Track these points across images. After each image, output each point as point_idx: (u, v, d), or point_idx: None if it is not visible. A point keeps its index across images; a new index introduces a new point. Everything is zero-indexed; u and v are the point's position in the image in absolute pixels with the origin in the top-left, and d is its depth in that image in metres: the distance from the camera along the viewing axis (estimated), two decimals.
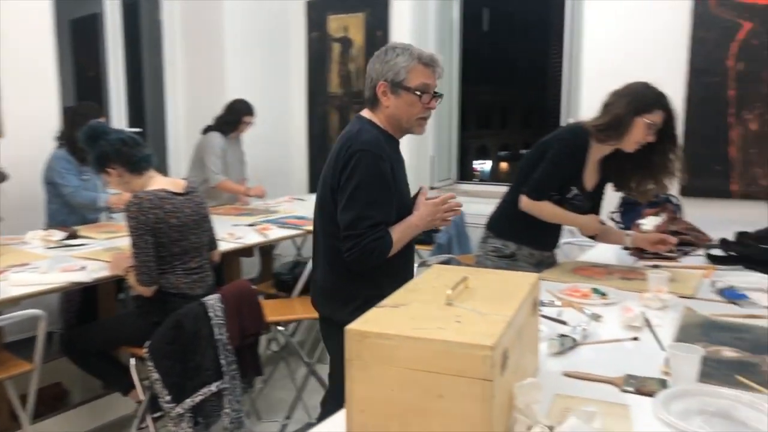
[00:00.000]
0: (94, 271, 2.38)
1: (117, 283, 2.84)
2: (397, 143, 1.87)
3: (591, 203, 2.29)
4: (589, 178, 2.24)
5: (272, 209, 3.95)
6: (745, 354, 1.41)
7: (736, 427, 1.06)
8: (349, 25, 4.93)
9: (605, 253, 2.51)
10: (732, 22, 3.48)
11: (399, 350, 0.97)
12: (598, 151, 2.19)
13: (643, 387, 1.22)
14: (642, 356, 1.42)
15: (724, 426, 1.07)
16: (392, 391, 0.98)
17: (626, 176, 2.22)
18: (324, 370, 3.18)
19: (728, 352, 1.41)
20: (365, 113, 1.84)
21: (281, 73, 5.15)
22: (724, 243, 2.39)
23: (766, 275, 2.11)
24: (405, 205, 1.81)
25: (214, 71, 4.67)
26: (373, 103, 1.81)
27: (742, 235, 2.43)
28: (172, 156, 4.80)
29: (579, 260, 2.45)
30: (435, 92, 1.79)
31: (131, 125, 4.43)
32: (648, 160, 2.14)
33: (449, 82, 4.92)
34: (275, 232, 3.23)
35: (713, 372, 1.30)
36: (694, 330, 1.59)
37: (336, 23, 4.99)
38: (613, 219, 2.92)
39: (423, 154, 4.92)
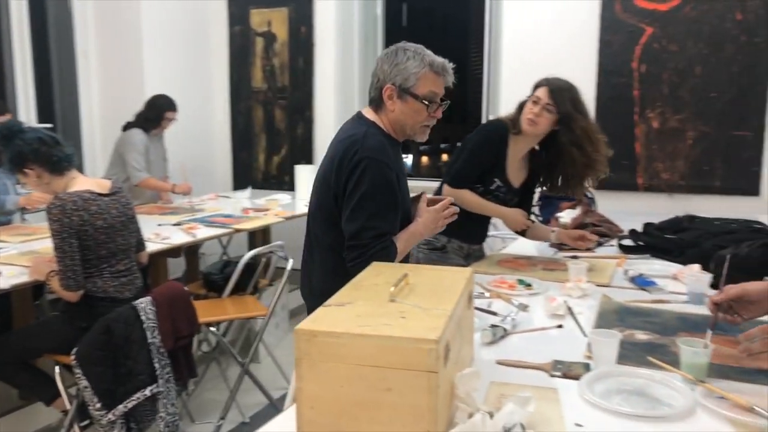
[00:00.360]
0: (11, 277, 2.27)
1: (34, 288, 2.71)
2: (400, 147, 1.83)
3: (519, 199, 2.41)
4: (515, 175, 2.36)
5: (197, 207, 3.88)
6: (655, 336, 1.56)
7: (650, 404, 1.18)
8: (272, 20, 4.89)
9: (527, 245, 2.66)
10: (636, 26, 3.74)
11: (347, 347, 1.01)
12: (518, 145, 2.31)
13: (569, 371, 1.32)
14: (566, 342, 1.53)
15: (640, 402, 1.18)
16: (341, 387, 1.02)
17: (553, 175, 2.34)
18: (257, 369, 3.18)
19: (641, 335, 1.55)
20: (368, 113, 1.77)
21: (203, 67, 5.03)
22: (633, 233, 2.59)
23: (669, 262, 2.30)
24: (407, 212, 1.79)
25: (131, 65, 4.50)
26: (378, 104, 1.74)
27: (648, 226, 2.64)
28: (87, 153, 4.59)
29: (504, 253, 2.58)
30: (441, 99, 1.74)
31: (40, 121, 4.20)
32: (572, 159, 2.26)
33: None
34: (203, 232, 3.18)
35: (629, 354, 1.42)
36: (611, 316, 1.73)
37: (259, 17, 4.93)
38: (533, 213, 3.08)
39: None
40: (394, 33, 4.92)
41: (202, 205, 4.00)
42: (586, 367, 1.34)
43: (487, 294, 1.93)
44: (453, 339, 1.10)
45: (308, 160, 4.88)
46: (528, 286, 2.04)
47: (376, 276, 1.33)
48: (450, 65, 1.75)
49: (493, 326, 1.56)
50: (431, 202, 1.81)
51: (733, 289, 1.39)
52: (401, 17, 4.95)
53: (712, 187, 3.70)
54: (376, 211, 1.63)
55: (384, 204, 1.65)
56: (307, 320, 1.07)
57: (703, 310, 1.78)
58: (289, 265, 2.96)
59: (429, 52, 1.71)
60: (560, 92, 2.20)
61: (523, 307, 1.78)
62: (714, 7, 3.56)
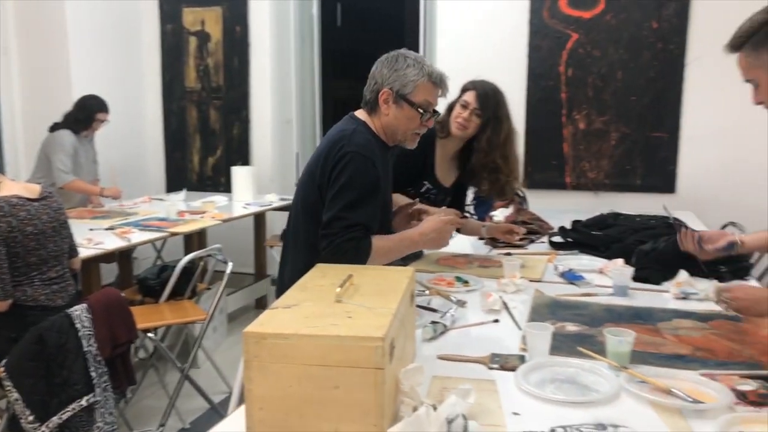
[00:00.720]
0: None
1: None
2: (387, 152, 1.84)
3: (452, 198, 2.49)
4: (445, 176, 2.43)
5: (129, 211, 3.78)
6: (584, 327, 1.66)
7: (580, 390, 1.26)
8: (205, 19, 4.81)
9: (463, 243, 2.75)
10: (562, 32, 3.91)
11: (296, 348, 1.04)
12: (446, 147, 2.38)
13: (506, 363, 1.40)
14: (503, 336, 1.61)
15: (572, 390, 1.27)
16: (290, 387, 1.05)
17: (478, 178, 2.42)
18: (196, 375, 3.13)
19: (571, 327, 1.65)
20: (361, 114, 1.80)
21: (133, 66, 4.89)
22: (562, 230, 2.72)
23: (596, 257, 2.44)
24: (387, 217, 1.79)
25: (56, 63, 4.33)
26: (372, 107, 1.77)
27: (576, 223, 2.78)
28: (9, 155, 4.38)
29: (442, 251, 2.65)
30: (434, 110, 1.79)
31: None
32: (494, 162, 2.34)
33: (311, 78, 4.99)
34: (137, 236, 3.10)
35: (561, 345, 1.52)
36: (544, 310, 1.82)
37: (192, 16, 4.84)
38: (468, 212, 3.18)
39: (288, 151, 4.95)
40: (329, 32, 4.94)
41: (135, 208, 3.90)
42: (522, 359, 1.42)
43: (426, 291, 2.00)
44: (397, 336, 1.14)
45: (245, 161, 4.83)
46: (465, 282, 2.12)
47: (321, 277, 1.36)
48: (447, 78, 1.81)
49: (434, 323, 1.62)
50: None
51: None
52: (336, 17, 4.97)
53: (634, 186, 3.92)
54: (353, 202, 1.64)
55: (362, 197, 1.65)
56: (255, 323, 1.09)
57: (627, 302, 1.91)
58: (229, 268, 2.94)
59: (428, 62, 1.76)
60: (487, 97, 2.28)
61: (461, 304, 1.85)
62: (632, 15, 3.77)
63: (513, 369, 1.36)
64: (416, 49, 4.49)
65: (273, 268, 4.43)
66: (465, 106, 2.27)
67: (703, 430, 1.11)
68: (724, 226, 3.29)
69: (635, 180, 3.92)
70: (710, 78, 3.60)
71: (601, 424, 1.11)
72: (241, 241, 4.55)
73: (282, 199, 4.28)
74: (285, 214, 2.01)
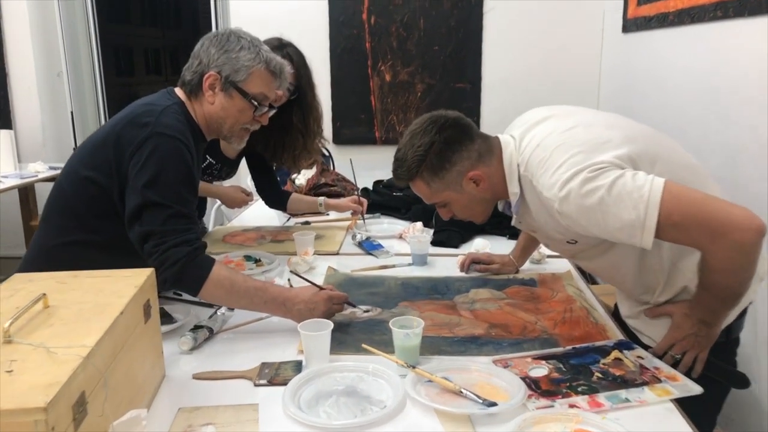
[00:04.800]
0: None
1: None
2: (204, 146, 1.49)
3: (254, 170, 2.17)
4: (229, 146, 2.08)
5: None
6: (376, 311, 1.45)
7: (360, 405, 1.05)
8: None
9: (255, 214, 2.45)
10: None
11: None
12: None
13: (276, 376, 1.14)
14: (282, 334, 1.35)
15: (351, 405, 1.04)
16: None
17: (273, 144, 2.11)
18: None
19: (361, 314, 1.43)
20: (180, 93, 1.44)
21: None
22: (364, 192, 2.52)
23: (397, 220, 2.28)
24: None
25: None
26: (194, 91, 1.42)
27: (377, 184, 2.60)
28: None
29: (229, 226, 2.33)
30: (270, 105, 1.46)
31: None
32: (290, 125, 2.04)
33: (85, 22, 4.25)
34: None
35: (347, 339, 1.30)
36: (337, 289, 1.60)
37: None
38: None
39: (62, 110, 4.20)
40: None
41: None
42: (297, 367, 1.18)
43: None
44: (101, 382, 0.82)
45: (5, 123, 4.01)
46: (257, 262, 1.84)
47: (7, 298, 0.98)
48: (289, 70, 1.56)
49: (196, 328, 1.32)
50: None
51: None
52: None
53: None
54: (168, 186, 1.27)
55: (182, 186, 1.30)
56: None
57: (425, 272, 1.76)
58: None
59: (266, 47, 1.45)
60: (299, 76, 1.95)
61: None
62: None
63: (284, 382, 1.11)
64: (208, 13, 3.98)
65: None
66: None
67: None
68: None
69: None
70: (506, 26, 3.59)
71: None
72: (6, 221, 3.80)
73: (52, 168, 3.61)
74: None
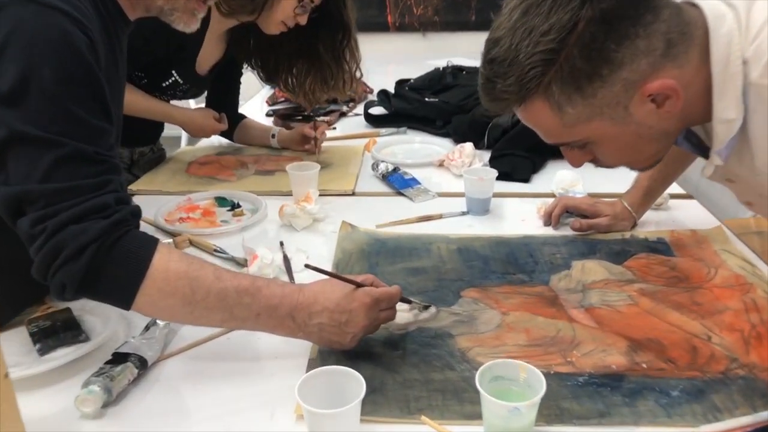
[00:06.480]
0: None
1: None
2: (127, 31, 0.87)
3: (213, 87, 1.52)
4: (207, 57, 1.41)
5: None
6: (423, 317, 0.86)
7: None
8: None
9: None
10: None
11: None
12: (219, 24, 1.36)
13: None
14: (275, 362, 0.77)
15: None
16: None
17: (276, 68, 1.45)
18: None
19: (421, 316, 0.85)
20: None
21: None
22: (382, 97, 1.86)
23: (431, 137, 1.65)
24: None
25: None
26: None
27: (400, 85, 1.93)
28: None
29: (198, 147, 1.68)
30: None
31: None
32: (310, 52, 1.39)
33: None
34: None
35: (386, 382, 0.72)
36: (355, 267, 1.01)
37: None
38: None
39: None
40: None
41: None
42: None
43: (168, 239, 1.07)
44: None
45: None
46: (235, 207, 1.26)
47: None
48: None
49: (114, 362, 0.73)
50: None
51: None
52: None
53: (468, 23, 3.15)
54: (48, 101, 0.67)
55: (71, 90, 0.69)
56: None
57: (489, 227, 1.15)
58: None
59: None
60: None
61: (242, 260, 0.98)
62: None
63: None
64: None
65: None
66: (304, 3, 1.28)
67: None
68: None
69: (469, 16, 3.15)
70: None
71: None
72: None
73: None
74: None
